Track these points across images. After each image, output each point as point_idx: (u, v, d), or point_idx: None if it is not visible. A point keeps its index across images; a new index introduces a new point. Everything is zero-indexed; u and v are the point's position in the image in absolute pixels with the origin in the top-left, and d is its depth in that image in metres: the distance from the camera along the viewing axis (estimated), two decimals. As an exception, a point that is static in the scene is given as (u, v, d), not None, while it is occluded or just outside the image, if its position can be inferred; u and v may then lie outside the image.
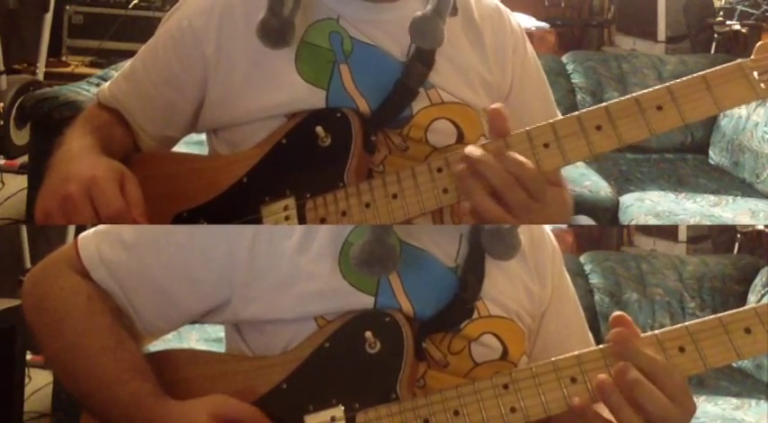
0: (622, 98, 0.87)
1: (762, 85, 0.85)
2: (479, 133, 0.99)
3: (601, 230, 3.74)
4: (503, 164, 0.83)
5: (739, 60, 0.87)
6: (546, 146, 0.86)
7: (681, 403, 0.82)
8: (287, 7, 0.96)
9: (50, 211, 0.87)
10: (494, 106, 0.87)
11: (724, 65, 0.87)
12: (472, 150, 0.85)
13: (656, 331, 0.86)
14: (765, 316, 0.84)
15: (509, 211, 0.84)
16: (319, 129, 0.95)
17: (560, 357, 0.87)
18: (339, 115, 0.96)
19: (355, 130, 0.95)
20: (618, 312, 0.86)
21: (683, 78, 0.87)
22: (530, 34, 1.11)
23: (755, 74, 0.85)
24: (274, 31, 0.96)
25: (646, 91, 0.87)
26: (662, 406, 0.81)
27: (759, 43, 0.86)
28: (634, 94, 0.87)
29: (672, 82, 0.87)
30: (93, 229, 0.96)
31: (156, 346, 0.99)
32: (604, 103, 0.87)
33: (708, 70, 0.86)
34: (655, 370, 0.82)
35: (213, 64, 1.00)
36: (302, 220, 0.94)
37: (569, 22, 4.54)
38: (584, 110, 0.88)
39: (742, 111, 3.04)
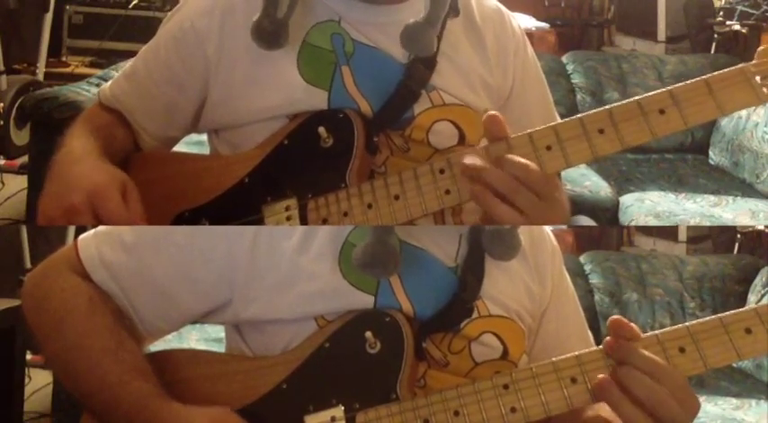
0: (625, 101, 0.87)
1: (764, 89, 0.85)
2: (480, 135, 0.99)
3: (601, 230, 3.74)
4: (505, 168, 0.84)
5: (741, 65, 0.87)
6: (548, 148, 0.86)
7: (683, 402, 0.81)
8: (281, 10, 0.96)
9: (53, 217, 0.88)
10: (490, 113, 0.87)
11: (726, 69, 0.87)
12: (472, 160, 0.85)
13: (657, 331, 0.86)
14: (766, 316, 0.84)
15: (520, 212, 0.84)
16: (321, 129, 0.95)
17: (561, 357, 0.87)
18: (341, 116, 0.96)
19: (357, 130, 0.95)
20: (615, 317, 0.86)
21: (686, 82, 0.87)
22: (530, 34, 1.12)
23: (758, 78, 0.85)
24: (267, 33, 0.96)
25: (648, 94, 0.87)
26: (661, 400, 0.80)
27: (761, 48, 0.87)
28: (636, 98, 0.87)
29: (674, 86, 0.87)
30: (93, 231, 0.96)
31: (156, 346, 0.99)
32: (607, 106, 0.87)
33: (710, 74, 0.86)
34: (654, 370, 0.82)
35: (215, 64, 1.00)
36: (304, 220, 0.94)
37: (569, 22, 4.54)
38: (586, 113, 0.88)
39: (742, 111, 3.04)
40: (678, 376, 0.82)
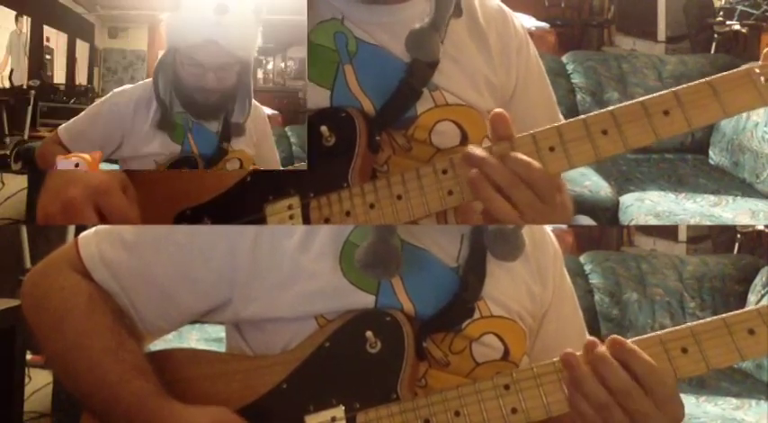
0: (628, 102, 0.87)
1: None
2: (483, 135, 0.99)
3: (601, 230, 3.73)
4: (507, 164, 0.83)
5: (746, 66, 0.86)
6: (551, 149, 0.86)
7: (666, 410, 0.82)
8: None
9: (52, 213, 0.88)
10: (496, 111, 0.87)
11: (731, 71, 0.87)
12: (474, 150, 0.85)
13: (659, 332, 0.86)
14: (768, 316, 0.85)
15: (517, 210, 0.84)
16: (324, 128, 0.95)
17: (562, 358, 0.87)
18: (344, 115, 0.96)
19: (360, 129, 0.95)
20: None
21: (690, 84, 0.87)
22: (530, 34, 1.12)
23: (762, 79, 0.85)
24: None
25: (652, 96, 0.87)
26: (624, 381, 0.81)
27: (767, 50, 0.86)
28: (640, 99, 0.87)
29: (678, 87, 0.87)
30: (93, 229, 0.96)
31: (156, 345, 0.99)
32: (610, 108, 0.87)
33: (715, 76, 0.86)
34: (648, 373, 0.82)
35: None
36: (306, 219, 0.94)
37: (569, 22, 4.53)
38: (589, 114, 0.87)
39: (742, 111, 3.03)
40: (670, 382, 0.83)
